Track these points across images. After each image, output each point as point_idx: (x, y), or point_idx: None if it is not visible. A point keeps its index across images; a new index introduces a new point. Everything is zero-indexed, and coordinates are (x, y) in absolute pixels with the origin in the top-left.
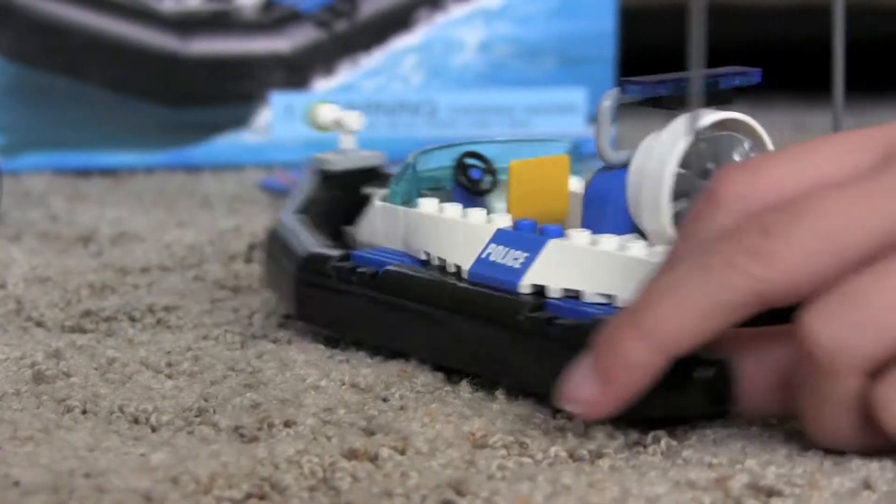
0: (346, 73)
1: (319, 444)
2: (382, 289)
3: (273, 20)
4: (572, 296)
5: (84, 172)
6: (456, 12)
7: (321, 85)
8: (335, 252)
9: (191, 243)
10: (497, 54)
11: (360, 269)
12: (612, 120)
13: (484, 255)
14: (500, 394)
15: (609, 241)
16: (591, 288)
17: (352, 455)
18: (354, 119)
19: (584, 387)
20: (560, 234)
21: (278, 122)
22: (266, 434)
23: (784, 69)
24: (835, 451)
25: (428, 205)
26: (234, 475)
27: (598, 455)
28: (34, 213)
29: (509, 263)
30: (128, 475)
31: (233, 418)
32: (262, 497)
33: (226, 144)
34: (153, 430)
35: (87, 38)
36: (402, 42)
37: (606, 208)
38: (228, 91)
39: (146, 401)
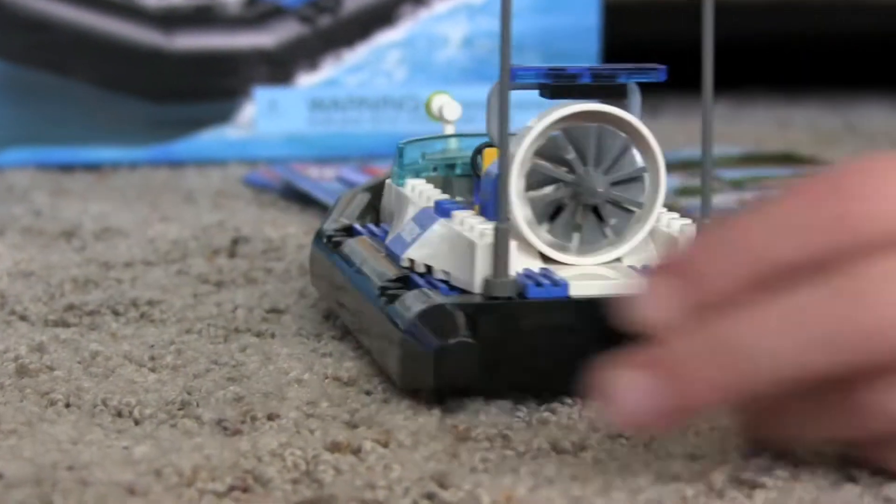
0: (329, 69)
1: (302, 437)
2: (338, 254)
3: (256, 15)
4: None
5: (68, 168)
6: (439, 8)
7: (305, 80)
8: (340, 224)
9: (174, 238)
10: (480, 49)
11: (334, 238)
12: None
13: (402, 230)
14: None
15: (463, 224)
16: (437, 265)
17: (335, 448)
18: (452, 109)
19: (646, 399)
20: (448, 214)
21: (262, 117)
22: (249, 427)
23: (766, 65)
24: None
25: (409, 185)
26: (218, 468)
27: (582, 447)
28: (18, 208)
29: (406, 238)
30: (111, 468)
31: (216, 411)
32: (245, 490)
33: (209, 140)
34: (136, 423)
35: (71, 34)
36: (386, 37)
37: (493, 193)
38: (212, 86)
39: (129, 394)
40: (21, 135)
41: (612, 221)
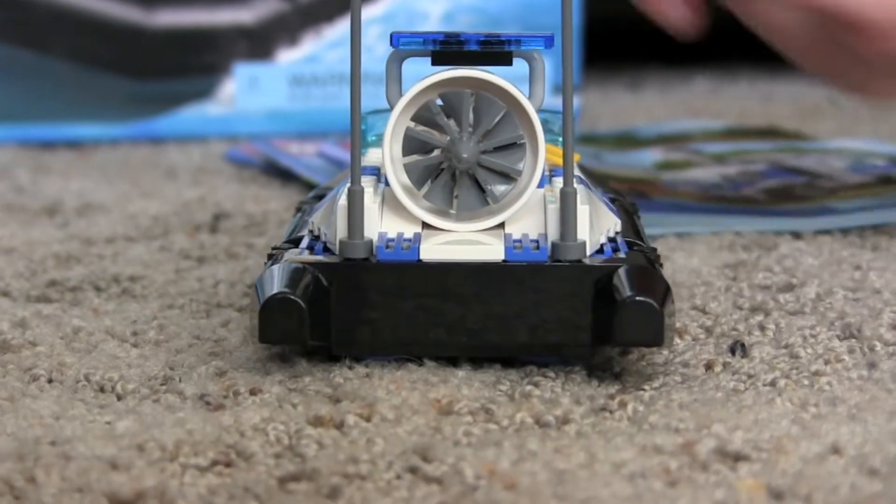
0: (310, 45)
1: (285, 412)
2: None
3: None
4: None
5: (49, 145)
6: None
7: (285, 56)
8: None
9: (155, 214)
10: (460, 24)
11: (301, 206)
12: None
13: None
14: (464, 361)
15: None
16: (322, 227)
17: (317, 422)
18: None
19: None
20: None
21: (242, 93)
22: (232, 402)
23: (748, 40)
24: (802, 416)
25: (368, 154)
26: (200, 442)
27: (565, 421)
28: None
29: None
30: (93, 443)
31: (198, 386)
32: (227, 464)
33: (190, 116)
34: (119, 398)
35: (50, 10)
36: (366, 13)
37: None
38: (192, 63)
39: (112, 369)
40: (1, 112)
41: (499, 189)
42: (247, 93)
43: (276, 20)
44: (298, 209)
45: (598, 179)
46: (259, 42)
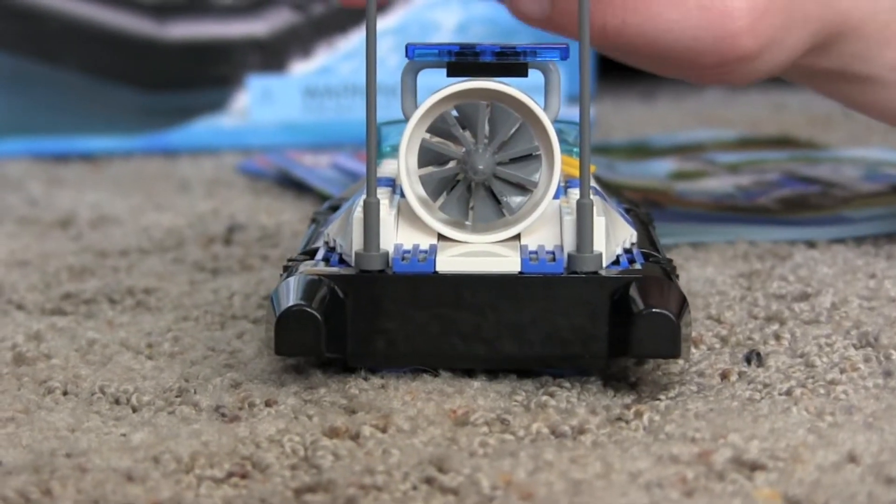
0: (323, 56)
1: (301, 423)
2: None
3: (250, 3)
4: None
5: (62, 157)
6: None
7: (298, 68)
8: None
9: (169, 226)
10: (473, 36)
11: (316, 217)
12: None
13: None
14: (480, 372)
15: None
16: (337, 239)
17: (333, 433)
18: None
19: None
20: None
21: (255, 105)
22: (247, 413)
23: None
24: (818, 425)
25: (383, 164)
26: (216, 454)
27: (581, 431)
28: (12, 197)
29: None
30: (109, 455)
31: (214, 398)
32: (243, 476)
33: (203, 128)
34: (134, 410)
35: (64, 23)
36: (380, 24)
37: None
38: (205, 75)
39: (127, 381)
40: (15, 125)
41: (515, 200)
42: (260, 105)
43: (289, 32)
44: (313, 220)
45: (612, 190)
46: (272, 54)
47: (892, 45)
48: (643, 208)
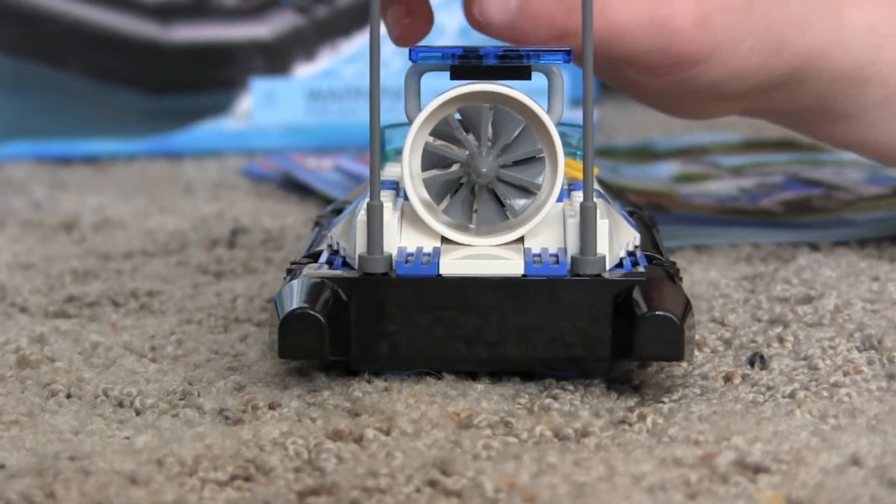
0: (326, 59)
1: (304, 426)
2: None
3: (253, 6)
4: None
5: (65, 160)
6: None
7: (302, 71)
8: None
9: (173, 229)
10: (477, 38)
11: (319, 221)
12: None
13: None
14: (483, 375)
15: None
16: (341, 242)
17: (337, 436)
18: None
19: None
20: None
21: (259, 108)
22: (250, 416)
23: None
24: (822, 427)
25: (386, 168)
26: (219, 457)
27: (584, 434)
28: (16, 200)
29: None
30: (112, 458)
31: (217, 401)
32: (247, 478)
33: (207, 131)
34: (137, 413)
35: (67, 26)
36: (383, 27)
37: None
38: (209, 78)
39: (130, 384)
40: (19, 128)
41: (518, 203)
42: (263, 108)
43: (292, 35)
44: (316, 224)
45: (615, 193)
46: (276, 57)
47: (874, 82)
48: (646, 211)
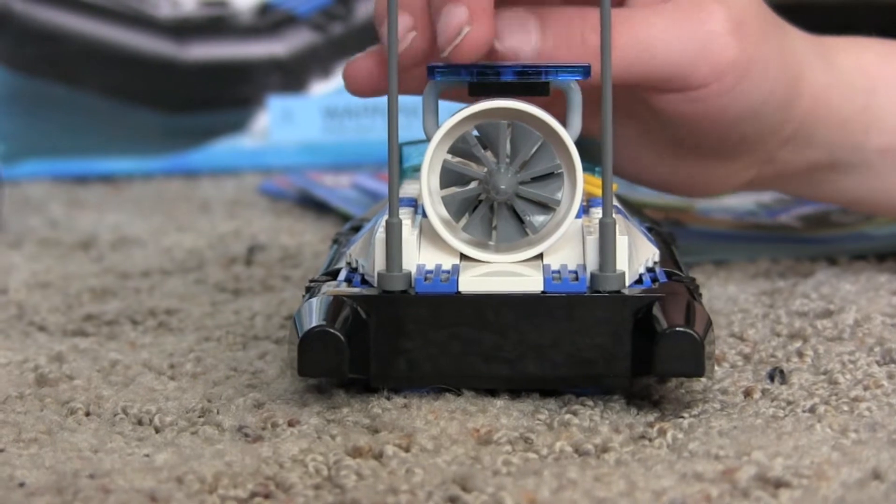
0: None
1: (324, 443)
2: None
3: (269, 24)
4: None
5: (83, 179)
6: None
7: (318, 88)
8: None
9: (190, 247)
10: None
11: (338, 239)
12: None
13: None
14: (503, 391)
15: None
16: (359, 260)
17: (356, 453)
18: None
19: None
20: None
21: (276, 126)
22: (270, 433)
23: None
24: (842, 442)
25: (405, 185)
26: (239, 474)
27: (604, 449)
28: (34, 219)
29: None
30: (132, 475)
31: (236, 418)
32: (267, 496)
33: (224, 149)
34: (157, 430)
35: (84, 45)
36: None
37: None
38: (226, 96)
39: (149, 402)
40: (36, 147)
41: (538, 219)
42: (280, 125)
43: (309, 52)
44: (335, 241)
45: (634, 209)
46: (292, 75)
47: (873, 129)
48: (665, 227)
